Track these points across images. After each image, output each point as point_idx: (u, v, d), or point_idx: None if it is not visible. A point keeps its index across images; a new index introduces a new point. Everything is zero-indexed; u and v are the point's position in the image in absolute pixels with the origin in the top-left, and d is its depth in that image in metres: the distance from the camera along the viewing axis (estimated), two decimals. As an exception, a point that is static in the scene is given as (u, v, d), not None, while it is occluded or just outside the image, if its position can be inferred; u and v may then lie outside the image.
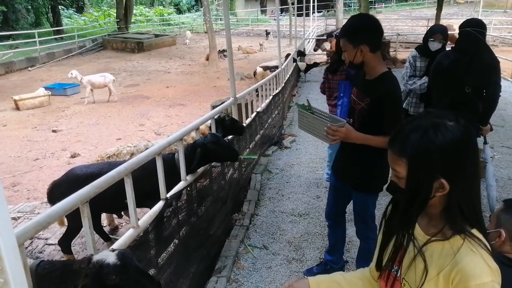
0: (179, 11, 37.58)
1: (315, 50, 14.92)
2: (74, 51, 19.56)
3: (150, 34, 24.02)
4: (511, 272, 1.50)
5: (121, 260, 1.45)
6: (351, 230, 3.62)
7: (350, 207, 4.10)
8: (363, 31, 2.15)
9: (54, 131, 8.35)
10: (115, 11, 26.13)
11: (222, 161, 3.22)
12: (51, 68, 16.44)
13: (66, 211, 1.66)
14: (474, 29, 2.90)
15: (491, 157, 3.49)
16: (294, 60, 10.83)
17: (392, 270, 1.14)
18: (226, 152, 2.88)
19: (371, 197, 2.49)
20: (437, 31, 3.76)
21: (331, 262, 2.97)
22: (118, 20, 24.73)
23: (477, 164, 1.04)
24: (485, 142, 3.49)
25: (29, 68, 16.08)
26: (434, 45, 3.67)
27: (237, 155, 3.02)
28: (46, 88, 11.23)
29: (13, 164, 6.55)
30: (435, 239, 1.03)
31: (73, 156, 6.75)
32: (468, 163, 1.00)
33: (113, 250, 1.53)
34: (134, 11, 29.03)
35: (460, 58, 2.96)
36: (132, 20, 27.67)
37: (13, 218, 4.17)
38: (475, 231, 1.01)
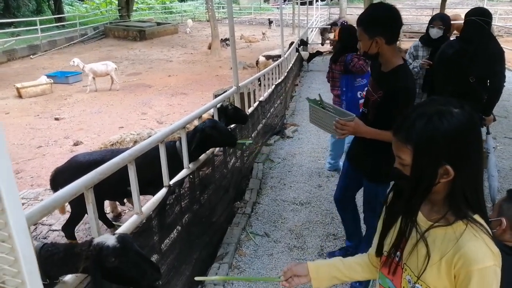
0: (182, -1, 37.27)
1: (322, 44, 14.71)
2: (75, 39, 19.46)
3: (152, 22, 23.85)
4: (510, 260, 1.52)
5: (120, 243, 1.46)
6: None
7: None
8: (380, 22, 2.09)
9: (56, 119, 8.37)
10: (117, -2, 25.94)
11: (220, 146, 3.21)
12: (52, 56, 16.40)
13: (71, 196, 1.68)
14: (479, 18, 2.88)
15: (493, 148, 3.50)
16: (297, 50, 10.76)
17: (393, 256, 1.16)
18: (224, 137, 2.89)
19: (381, 187, 2.49)
20: (437, 17, 3.76)
21: (351, 248, 3.00)
22: (120, 8, 24.55)
23: (481, 151, 1.05)
24: (487, 133, 3.49)
25: (31, 56, 16.03)
26: (434, 32, 3.66)
27: (235, 140, 3.03)
28: (48, 76, 11.22)
29: (16, 151, 6.59)
30: (437, 225, 1.04)
31: (75, 144, 6.78)
32: (472, 149, 1.01)
33: (114, 234, 1.55)
34: (136, -1, 28.83)
35: (465, 47, 2.94)
36: (134, 8, 27.46)
37: None
38: (477, 217, 1.02)
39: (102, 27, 21.90)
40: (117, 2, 25.92)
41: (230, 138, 2.97)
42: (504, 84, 3.15)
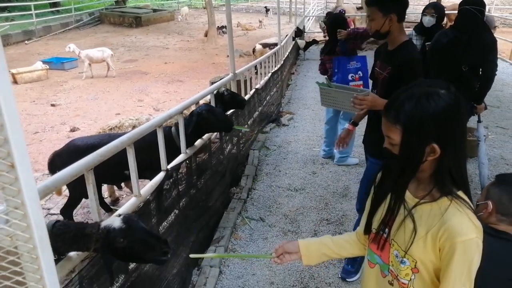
0: (178, -14, 36.71)
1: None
2: (71, 24, 19.26)
3: (148, 8, 23.59)
4: (495, 242, 1.59)
5: (126, 223, 1.53)
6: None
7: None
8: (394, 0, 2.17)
9: (52, 105, 8.36)
10: (112, -16, 25.55)
11: (216, 131, 3.23)
12: (48, 42, 16.24)
13: (72, 177, 1.73)
14: (473, 7, 2.92)
15: (484, 136, 3.57)
16: (293, 38, 10.74)
17: (382, 233, 1.22)
18: (220, 121, 2.93)
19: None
20: (430, 5, 3.84)
21: None
22: (116, -7, 24.25)
23: (465, 130, 1.11)
24: (478, 121, 3.56)
25: (26, 41, 15.87)
26: (427, 20, 3.73)
27: (231, 125, 3.06)
28: (44, 62, 11.14)
29: (13, 137, 6.58)
30: (424, 201, 1.10)
31: (72, 130, 6.79)
32: (457, 128, 1.06)
33: (119, 215, 1.61)
34: (132, -15, 28.41)
35: (459, 36, 2.99)
36: (130, -6, 27.12)
37: None
38: (461, 193, 1.09)
39: (97, 13, 21.66)
40: (112, -13, 25.57)
41: (226, 122, 3.01)
42: (496, 73, 3.20)
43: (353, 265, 2.77)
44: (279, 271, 2.88)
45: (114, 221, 1.54)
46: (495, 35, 3.52)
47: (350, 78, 3.96)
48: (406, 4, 2.24)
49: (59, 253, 1.53)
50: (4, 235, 0.73)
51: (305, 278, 2.81)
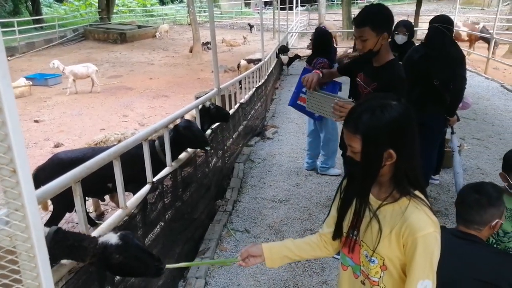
0: (162, 2, 37.07)
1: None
2: (54, 41, 19.20)
3: (133, 25, 23.70)
4: (465, 244, 1.70)
5: (122, 240, 1.60)
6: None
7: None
8: (386, 19, 2.26)
9: (36, 121, 8.30)
10: (97, 0, 25.66)
11: (193, 147, 3.23)
12: (31, 58, 16.15)
13: (60, 188, 1.78)
14: (441, 25, 3.11)
15: (458, 146, 3.73)
16: (277, 55, 10.97)
17: (351, 236, 1.30)
18: (196, 138, 2.98)
19: None
20: (401, 24, 4.07)
21: None
22: (100, 10, 24.30)
23: (416, 136, 1.21)
24: (452, 132, 3.73)
25: (9, 58, 15.71)
26: (399, 38, 3.98)
27: (206, 143, 3.09)
28: (27, 78, 11.07)
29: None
30: (386, 203, 1.20)
31: (56, 146, 6.76)
32: (409, 134, 1.17)
33: (116, 233, 1.67)
34: (116, 1, 28.58)
35: (429, 52, 3.17)
36: (114, 11, 27.24)
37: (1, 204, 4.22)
38: (417, 192, 1.20)
39: (81, 29, 21.64)
40: (97, 4, 25.66)
41: (202, 139, 3.05)
42: (465, 86, 3.39)
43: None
44: (263, 281, 2.93)
45: (111, 237, 1.61)
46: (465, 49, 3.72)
47: (303, 90, 4.00)
48: (393, 23, 2.35)
49: (53, 260, 1.58)
50: (4, 235, 0.79)
51: (289, 286, 2.87)
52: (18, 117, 0.75)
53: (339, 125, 3.63)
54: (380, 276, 1.22)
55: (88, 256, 1.57)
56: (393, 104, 1.15)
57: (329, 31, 5.06)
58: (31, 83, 10.81)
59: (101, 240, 1.60)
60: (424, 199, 1.20)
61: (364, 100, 1.23)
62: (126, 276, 1.94)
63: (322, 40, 4.47)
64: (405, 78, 2.38)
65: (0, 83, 0.70)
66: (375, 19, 2.24)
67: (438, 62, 3.12)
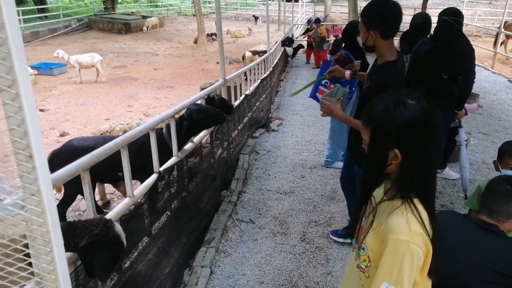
0: (167, -7, 36.86)
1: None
2: (59, 30, 19.18)
3: (137, 15, 23.62)
4: (486, 234, 1.68)
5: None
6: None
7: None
8: (378, 17, 2.15)
9: (41, 110, 8.33)
10: (102, -10, 25.56)
11: (212, 126, 3.32)
12: (35, 48, 16.14)
13: (69, 176, 1.79)
14: (451, 18, 3.07)
15: (465, 140, 3.72)
16: (283, 44, 10.90)
17: (360, 220, 1.32)
18: (212, 116, 3.08)
19: None
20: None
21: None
22: (105, 0, 24.23)
23: (434, 145, 1.13)
24: (459, 126, 3.71)
25: (13, 47, 15.73)
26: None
27: (222, 115, 3.17)
28: (32, 67, 11.08)
29: (2, 141, 6.55)
30: (384, 199, 1.20)
31: (62, 135, 6.79)
32: (421, 141, 1.10)
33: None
34: (121, -9, 28.46)
35: (437, 45, 3.13)
36: (119, 1, 27.13)
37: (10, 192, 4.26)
38: (416, 201, 1.13)
39: (86, 19, 21.63)
40: (101, -6, 25.56)
41: (217, 115, 3.13)
42: (474, 80, 3.36)
43: (345, 229, 2.93)
44: (268, 271, 2.95)
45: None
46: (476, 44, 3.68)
47: (323, 83, 4.00)
48: (392, 24, 2.16)
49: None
50: (20, 220, 0.80)
51: (294, 277, 2.89)
52: (34, 103, 0.75)
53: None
54: (367, 266, 1.22)
55: (83, 238, 1.55)
56: (410, 103, 1.10)
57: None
58: (36, 72, 10.83)
59: (117, 229, 1.62)
60: (420, 209, 1.13)
61: (387, 93, 1.19)
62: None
63: (347, 32, 4.36)
64: (390, 85, 2.18)
65: (17, 67, 0.70)
66: (367, 14, 2.20)
67: (446, 55, 3.09)
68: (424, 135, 1.10)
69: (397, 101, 1.11)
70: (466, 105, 3.57)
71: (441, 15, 3.18)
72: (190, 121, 2.93)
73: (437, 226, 1.15)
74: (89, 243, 1.55)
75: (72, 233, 1.55)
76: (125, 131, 3.68)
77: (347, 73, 2.87)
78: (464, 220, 1.82)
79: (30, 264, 0.85)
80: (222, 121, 3.22)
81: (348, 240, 3.15)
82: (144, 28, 21.13)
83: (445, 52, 3.11)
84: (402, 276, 1.06)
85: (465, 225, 1.74)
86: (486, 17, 22.72)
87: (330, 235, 3.31)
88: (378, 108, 1.14)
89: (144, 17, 23.10)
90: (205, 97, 3.55)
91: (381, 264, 1.10)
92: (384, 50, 2.23)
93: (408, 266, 1.07)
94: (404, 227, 1.09)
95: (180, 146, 2.95)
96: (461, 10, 3.29)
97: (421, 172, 1.13)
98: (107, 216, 2.05)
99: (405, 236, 1.08)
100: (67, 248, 1.58)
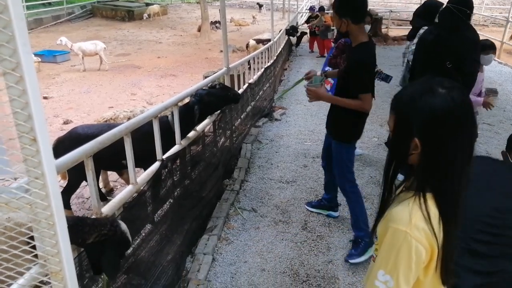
0: (171, -20, 36.46)
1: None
2: (62, 17, 19.11)
3: (141, 2, 23.45)
4: None
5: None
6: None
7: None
8: (346, 7, 2.52)
9: (45, 97, 8.35)
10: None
11: (226, 105, 3.56)
12: (39, 35, 16.10)
13: (73, 162, 1.80)
14: (457, 6, 3.02)
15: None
16: (287, 32, 10.81)
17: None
18: (223, 97, 3.25)
19: (344, 145, 2.87)
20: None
21: (325, 200, 3.51)
22: (108, -14, 24.03)
23: (457, 141, 1.03)
24: (464, 116, 3.67)
25: (16, 34, 15.70)
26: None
27: (235, 95, 3.39)
28: (36, 55, 11.06)
29: (5, 129, 6.59)
30: (403, 190, 1.16)
31: (65, 123, 6.81)
32: (444, 134, 1.02)
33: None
34: (124, -22, 28.15)
35: (442, 34, 3.09)
36: (122, -13, 26.87)
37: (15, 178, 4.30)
38: (429, 196, 1.06)
39: (89, 6, 21.50)
40: (105, -20, 25.32)
41: (230, 95, 3.38)
42: (478, 70, 3.32)
43: (355, 249, 2.95)
44: (270, 259, 2.98)
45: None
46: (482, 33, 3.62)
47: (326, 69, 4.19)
48: (360, 10, 2.53)
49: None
50: (24, 203, 0.81)
51: (295, 265, 2.92)
52: (38, 86, 0.75)
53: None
54: (377, 255, 1.22)
55: (91, 236, 1.58)
56: (439, 91, 1.01)
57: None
58: (39, 59, 10.81)
59: (123, 227, 1.66)
60: (429, 205, 1.05)
61: (422, 78, 1.10)
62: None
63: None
64: (366, 61, 2.57)
65: (20, 50, 0.70)
66: (338, 4, 2.54)
67: (451, 44, 3.05)
68: (448, 128, 1.02)
69: (427, 88, 1.04)
70: (471, 97, 3.53)
71: (449, 3, 3.13)
72: (202, 106, 3.00)
73: (453, 228, 1.07)
74: (96, 241, 1.58)
75: (81, 229, 1.57)
76: (129, 119, 3.69)
77: (318, 73, 3.22)
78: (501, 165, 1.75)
79: (34, 247, 0.86)
80: (237, 100, 3.44)
81: (323, 212, 3.50)
82: (145, 15, 20.92)
83: (449, 41, 3.07)
84: (398, 268, 1.03)
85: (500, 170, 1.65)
86: (494, 6, 22.40)
87: (305, 206, 3.62)
88: (406, 93, 1.08)
89: (147, 4, 22.93)
90: (208, 85, 3.54)
91: (380, 251, 1.10)
92: (357, 33, 2.57)
93: (405, 259, 1.03)
94: (405, 217, 1.04)
95: (196, 125, 3.13)
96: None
97: (441, 167, 1.05)
98: (110, 203, 2.07)
99: (403, 227, 1.03)
100: (74, 242, 1.61)
